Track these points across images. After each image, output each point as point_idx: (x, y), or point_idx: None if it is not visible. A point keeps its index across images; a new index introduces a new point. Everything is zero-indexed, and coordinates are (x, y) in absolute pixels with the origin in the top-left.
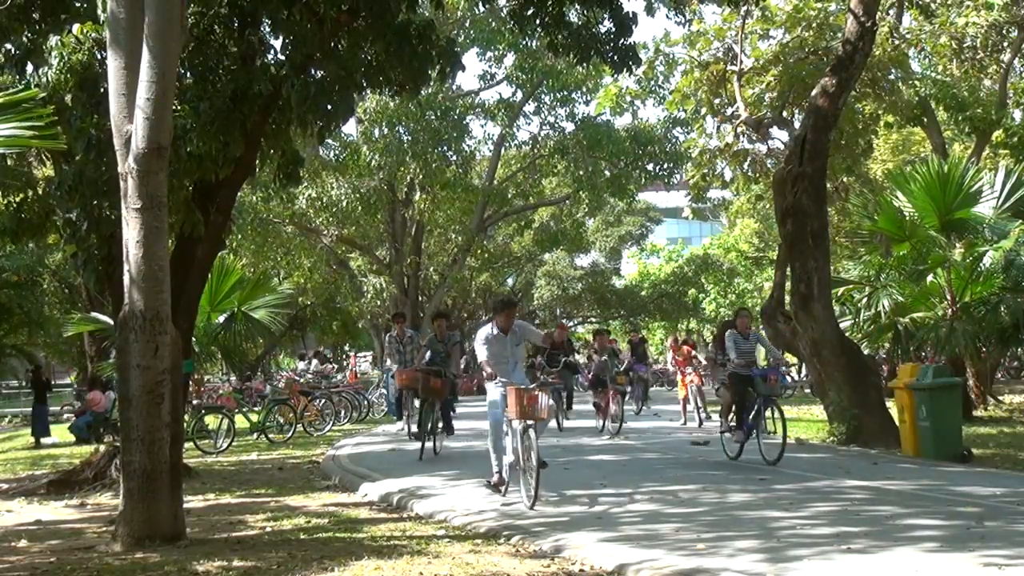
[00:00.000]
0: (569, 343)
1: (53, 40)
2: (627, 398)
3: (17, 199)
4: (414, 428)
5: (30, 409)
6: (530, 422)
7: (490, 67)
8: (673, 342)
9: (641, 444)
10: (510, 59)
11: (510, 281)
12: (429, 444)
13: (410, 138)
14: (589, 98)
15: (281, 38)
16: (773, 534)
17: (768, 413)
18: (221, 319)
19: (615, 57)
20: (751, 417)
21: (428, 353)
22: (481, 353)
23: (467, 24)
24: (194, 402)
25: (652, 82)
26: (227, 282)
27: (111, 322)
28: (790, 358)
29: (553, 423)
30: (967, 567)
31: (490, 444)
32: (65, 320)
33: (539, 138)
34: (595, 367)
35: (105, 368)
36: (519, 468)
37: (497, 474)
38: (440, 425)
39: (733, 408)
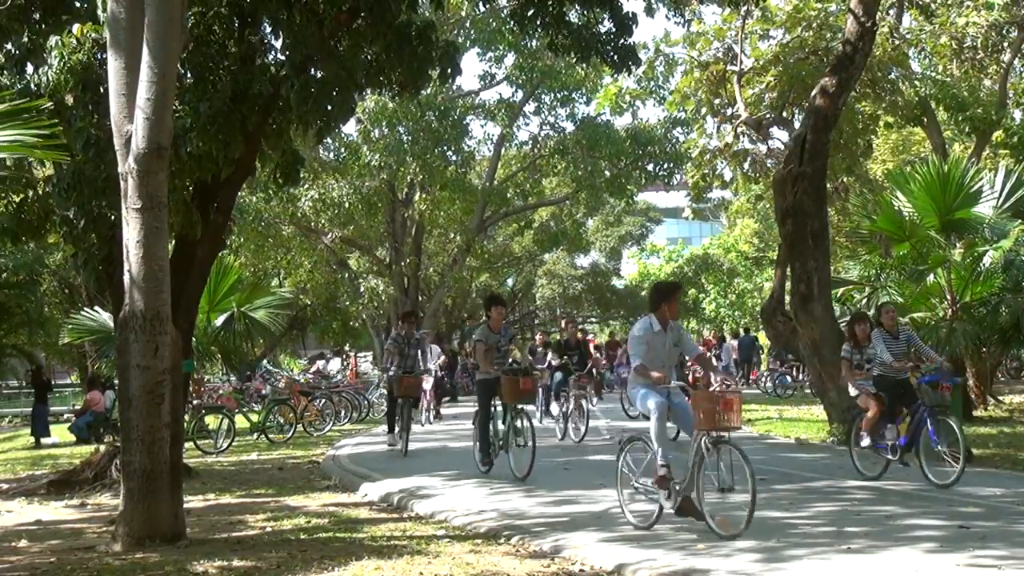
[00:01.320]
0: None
1: (53, 40)
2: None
3: (17, 199)
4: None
5: (30, 409)
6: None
7: (490, 67)
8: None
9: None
10: (510, 59)
11: (510, 281)
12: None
13: (410, 138)
14: (589, 98)
15: (281, 38)
16: (773, 534)
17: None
18: (220, 320)
19: (615, 57)
20: (913, 431)
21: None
22: (639, 352)
23: (467, 24)
24: (194, 402)
25: (652, 82)
26: (225, 282)
27: (110, 322)
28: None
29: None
30: (967, 567)
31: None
32: (65, 320)
33: (539, 138)
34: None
35: (104, 368)
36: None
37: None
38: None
39: (877, 419)
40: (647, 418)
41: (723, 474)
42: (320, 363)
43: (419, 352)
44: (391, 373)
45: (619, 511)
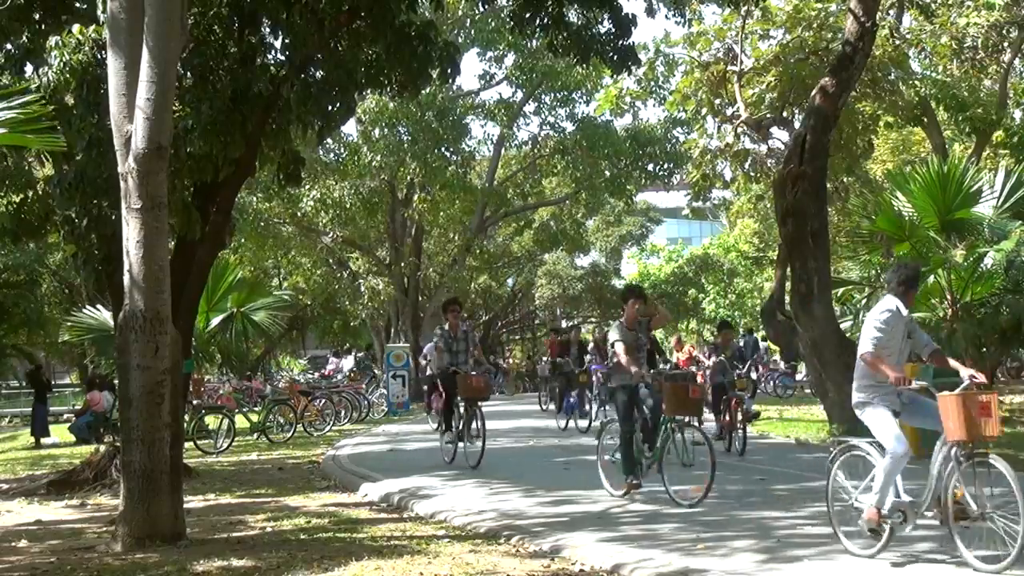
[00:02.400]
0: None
1: (53, 40)
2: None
3: (17, 199)
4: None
5: (30, 409)
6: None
7: (490, 67)
8: (677, 342)
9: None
10: (510, 59)
11: (510, 281)
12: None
13: (410, 138)
14: (589, 98)
15: (281, 38)
16: (772, 534)
17: None
18: (217, 320)
19: (615, 58)
20: None
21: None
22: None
23: (467, 24)
24: (194, 402)
25: (652, 83)
26: (223, 281)
27: (110, 321)
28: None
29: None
30: (967, 567)
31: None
32: (65, 320)
33: (539, 138)
34: (715, 368)
35: (104, 368)
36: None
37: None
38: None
39: None
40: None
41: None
42: (335, 360)
43: (468, 346)
44: (435, 370)
45: (619, 511)
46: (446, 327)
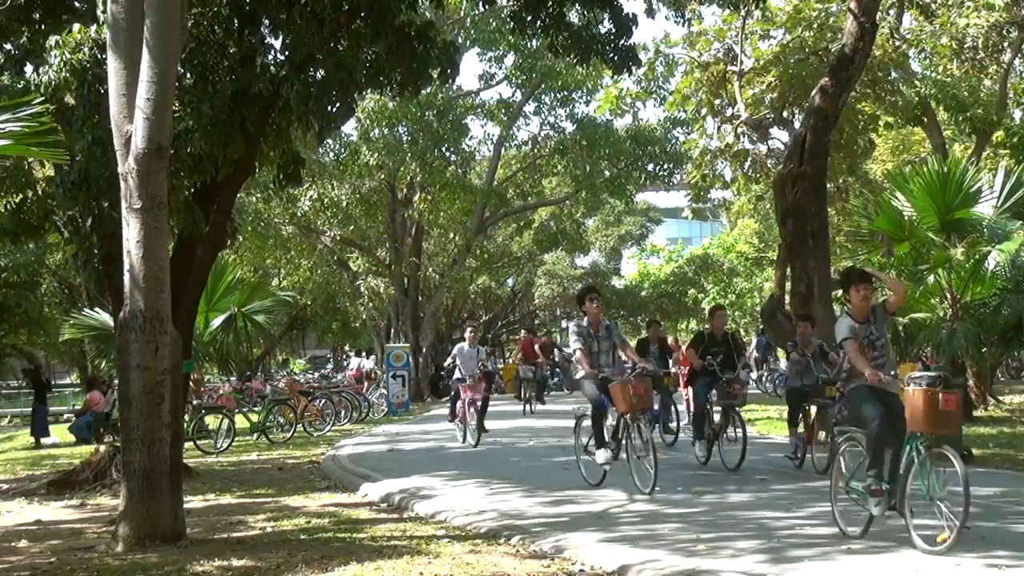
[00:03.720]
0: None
1: (53, 40)
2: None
3: (17, 199)
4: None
5: (30, 409)
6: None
7: (490, 67)
8: (674, 342)
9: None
10: (510, 59)
11: (510, 281)
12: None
13: (410, 138)
14: (589, 99)
15: (281, 39)
16: (773, 535)
17: None
18: (218, 320)
19: (615, 58)
20: None
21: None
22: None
23: (467, 24)
24: (194, 402)
25: (652, 83)
26: (223, 281)
27: (110, 321)
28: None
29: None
30: (968, 568)
31: None
32: (64, 320)
33: (539, 138)
34: (792, 368)
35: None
36: None
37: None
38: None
39: None
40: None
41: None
42: (356, 361)
43: (611, 345)
44: (576, 368)
45: (619, 511)
46: (584, 322)
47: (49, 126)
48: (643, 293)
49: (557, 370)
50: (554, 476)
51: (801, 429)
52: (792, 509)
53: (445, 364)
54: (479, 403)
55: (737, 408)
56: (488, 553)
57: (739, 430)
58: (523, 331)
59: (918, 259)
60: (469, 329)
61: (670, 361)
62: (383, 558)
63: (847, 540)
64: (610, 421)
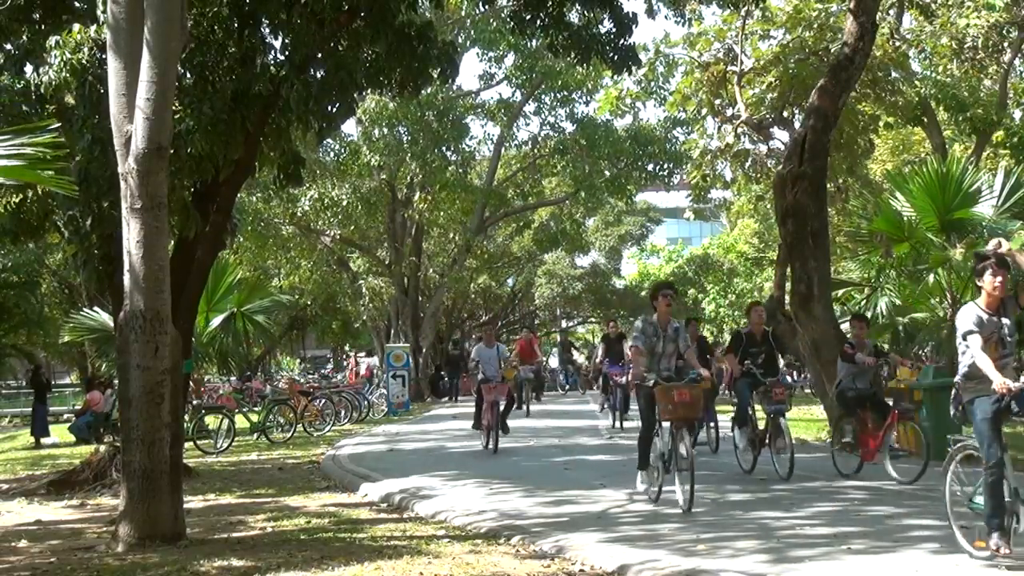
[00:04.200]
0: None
1: (53, 40)
2: (603, 409)
3: (16, 199)
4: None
5: (30, 409)
6: None
7: (490, 67)
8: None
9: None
10: (510, 59)
11: (510, 281)
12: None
13: (410, 138)
14: (589, 99)
15: (281, 39)
16: (773, 534)
17: None
18: (218, 320)
19: (615, 57)
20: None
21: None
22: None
23: (467, 24)
24: (194, 402)
25: (652, 83)
26: (223, 281)
27: (110, 322)
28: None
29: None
30: (969, 568)
31: None
32: (65, 320)
33: (539, 138)
34: (846, 373)
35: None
36: None
37: None
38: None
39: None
40: None
41: None
42: (366, 361)
43: (676, 348)
44: (639, 378)
45: (619, 511)
46: (653, 319)
47: (60, 154)
48: (643, 293)
49: (569, 367)
50: (554, 476)
51: (848, 438)
52: (793, 509)
53: (468, 365)
54: (502, 403)
55: (784, 413)
56: (488, 553)
57: (787, 437)
58: (524, 330)
59: (917, 259)
60: (485, 328)
61: (711, 361)
62: (383, 558)
63: (848, 540)
64: (661, 447)
